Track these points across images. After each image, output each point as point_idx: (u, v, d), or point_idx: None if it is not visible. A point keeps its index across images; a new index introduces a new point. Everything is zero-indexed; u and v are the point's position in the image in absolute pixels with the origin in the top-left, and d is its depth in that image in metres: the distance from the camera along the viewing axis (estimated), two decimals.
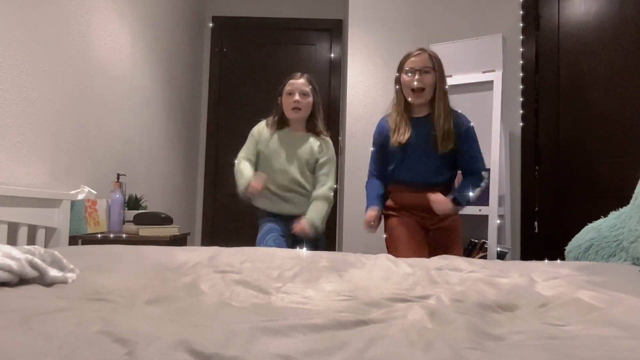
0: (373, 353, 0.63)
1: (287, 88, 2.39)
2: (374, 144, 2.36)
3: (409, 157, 2.20)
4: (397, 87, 2.27)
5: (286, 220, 2.37)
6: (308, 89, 2.39)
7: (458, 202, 2.16)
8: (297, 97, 2.35)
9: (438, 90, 2.19)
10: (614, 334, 0.75)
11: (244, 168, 2.38)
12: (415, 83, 2.17)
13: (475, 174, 2.22)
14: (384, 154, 2.30)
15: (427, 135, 2.19)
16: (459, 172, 2.32)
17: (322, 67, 4.46)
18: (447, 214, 2.21)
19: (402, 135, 2.18)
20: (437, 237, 2.25)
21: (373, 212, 2.20)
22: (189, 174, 4.10)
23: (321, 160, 2.41)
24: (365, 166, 3.51)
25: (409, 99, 2.21)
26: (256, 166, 2.44)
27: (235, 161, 2.42)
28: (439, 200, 2.13)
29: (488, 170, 2.30)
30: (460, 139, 2.20)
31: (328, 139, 2.48)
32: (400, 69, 2.25)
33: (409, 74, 2.19)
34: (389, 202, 2.30)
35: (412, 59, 2.21)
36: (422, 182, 2.20)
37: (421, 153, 2.19)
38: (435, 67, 2.19)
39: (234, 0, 4.46)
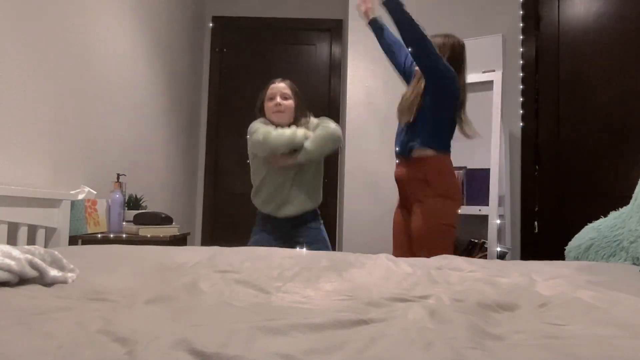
0: (373, 352, 0.63)
1: (268, 92, 2.29)
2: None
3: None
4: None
5: (282, 225, 2.30)
6: (289, 92, 2.28)
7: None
8: (278, 100, 2.25)
9: None
10: (614, 333, 0.75)
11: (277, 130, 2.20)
12: None
13: None
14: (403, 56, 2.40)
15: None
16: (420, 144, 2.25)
17: (322, 67, 4.46)
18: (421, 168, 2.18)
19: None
20: (410, 192, 2.25)
21: None
22: (189, 174, 4.10)
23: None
24: (366, 166, 3.51)
25: None
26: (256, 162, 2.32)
27: (258, 137, 2.17)
28: None
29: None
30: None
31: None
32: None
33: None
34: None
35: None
36: (400, 153, 2.28)
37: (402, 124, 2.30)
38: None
39: (234, 0, 4.46)
